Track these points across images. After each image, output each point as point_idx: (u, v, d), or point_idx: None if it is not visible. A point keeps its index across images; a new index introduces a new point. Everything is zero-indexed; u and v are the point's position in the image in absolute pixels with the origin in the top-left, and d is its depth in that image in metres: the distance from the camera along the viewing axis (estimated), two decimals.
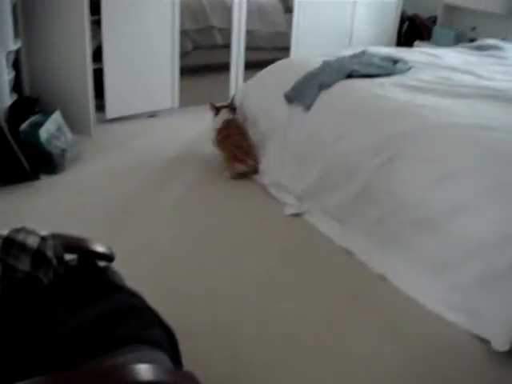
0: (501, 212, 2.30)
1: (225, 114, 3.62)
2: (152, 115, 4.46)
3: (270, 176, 3.32)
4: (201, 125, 4.11)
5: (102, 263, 1.82)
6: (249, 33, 5.16)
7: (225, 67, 4.86)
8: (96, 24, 4.01)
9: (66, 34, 3.81)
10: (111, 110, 4.24)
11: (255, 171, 3.44)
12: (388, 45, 5.42)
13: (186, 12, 5.11)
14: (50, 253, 1.63)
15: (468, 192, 2.39)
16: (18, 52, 3.89)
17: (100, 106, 4.22)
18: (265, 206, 3.21)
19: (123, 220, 3.02)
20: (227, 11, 4.84)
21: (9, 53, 3.62)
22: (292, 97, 3.22)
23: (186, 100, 4.61)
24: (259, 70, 3.79)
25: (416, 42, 5.53)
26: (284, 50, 5.13)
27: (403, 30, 5.66)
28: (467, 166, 2.45)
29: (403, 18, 5.63)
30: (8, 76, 3.65)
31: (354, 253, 2.76)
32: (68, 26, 3.78)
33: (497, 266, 2.26)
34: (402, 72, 3.29)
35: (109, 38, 4.03)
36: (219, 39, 5.24)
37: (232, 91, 4.81)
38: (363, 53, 3.48)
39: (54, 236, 1.68)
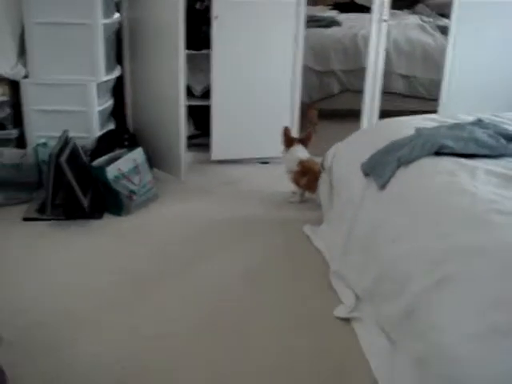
0: None
1: (298, 152, 3.39)
2: (264, 161, 4.02)
3: (334, 263, 2.70)
4: None
5: None
6: (407, 78, 4.55)
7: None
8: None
9: (161, 67, 3.58)
10: (216, 152, 3.90)
11: None
12: None
13: (336, 51, 4.65)
14: None
15: None
16: (121, 79, 3.79)
17: (206, 146, 3.91)
18: (318, 295, 2.59)
19: (158, 286, 2.62)
20: None
21: (104, 82, 3.50)
22: (368, 170, 2.55)
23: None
24: None
25: None
26: None
27: None
28: None
29: None
30: (101, 106, 3.54)
31: None
32: (163, 59, 3.54)
33: None
34: None
35: (218, 73, 3.71)
36: None
37: None
38: (476, 122, 2.64)
39: None
